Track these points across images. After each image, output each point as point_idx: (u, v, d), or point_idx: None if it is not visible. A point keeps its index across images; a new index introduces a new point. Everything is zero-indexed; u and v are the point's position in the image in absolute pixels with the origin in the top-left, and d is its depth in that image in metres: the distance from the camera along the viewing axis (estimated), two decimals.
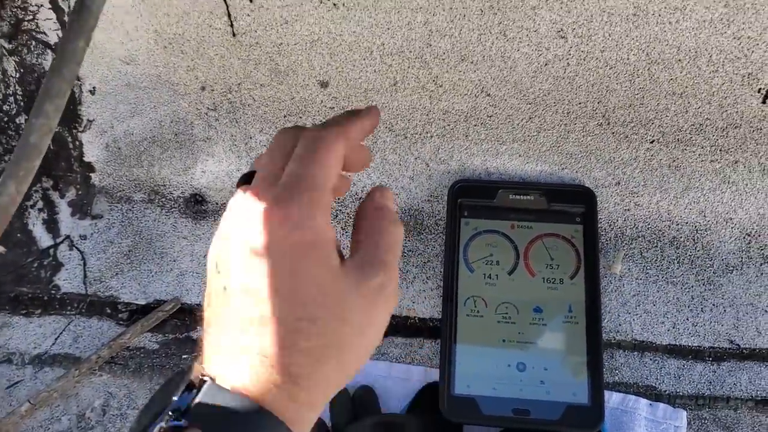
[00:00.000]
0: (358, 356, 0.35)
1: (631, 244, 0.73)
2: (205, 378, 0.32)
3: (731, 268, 0.72)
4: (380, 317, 0.35)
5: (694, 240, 0.73)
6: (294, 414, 0.32)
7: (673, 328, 0.69)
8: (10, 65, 0.75)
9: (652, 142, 0.72)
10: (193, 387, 0.32)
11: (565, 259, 0.70)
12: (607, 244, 0.73)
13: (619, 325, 0.70)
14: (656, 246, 0.73)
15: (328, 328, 0.32)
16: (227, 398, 0.31)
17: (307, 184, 0.33)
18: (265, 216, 0.32)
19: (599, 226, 0.72)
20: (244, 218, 0.33)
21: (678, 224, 0.73)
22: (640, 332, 0.69)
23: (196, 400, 0.31)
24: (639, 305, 0.71)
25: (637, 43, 0.64)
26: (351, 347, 0.34)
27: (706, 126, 0.70)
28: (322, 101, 0.74)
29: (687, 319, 0.70)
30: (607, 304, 0.71)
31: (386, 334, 0.71)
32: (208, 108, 0.75)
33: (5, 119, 0.78)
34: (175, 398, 0.31)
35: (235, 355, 0.32)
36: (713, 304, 0.70)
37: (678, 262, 0.72)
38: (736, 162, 0.71)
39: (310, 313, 0.32)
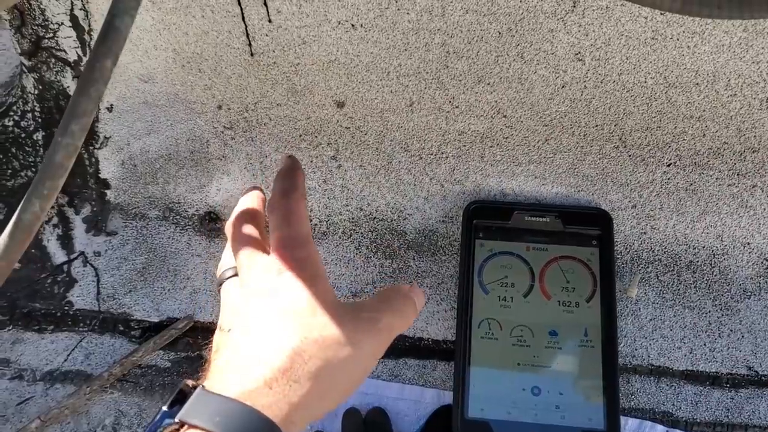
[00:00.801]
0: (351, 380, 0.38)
1: (648, 267, 0.72)
2: (197, 385, 0.36)
3: (749, 294, 0.71)
4: (369, 346, 0.38)
5: (711, 264, 0.72)
6: (287, 418, 0.35)
7: (690, 353, 0.69)
8: (29, 82, 0.76)
9: (669, 166, 0.71)
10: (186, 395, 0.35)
11: (581, 282, 0.70)
12: (623, 267, 0.73)
13: (636, 349, 0.69)
14: (673, 270, 0.72)
15: (320, 351, 0.36)
16: (217, 400, 0.35)
17: (300, 240, 0.39)
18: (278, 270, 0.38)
19: (615, 249, 0.72)
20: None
21: (695, 248, 0.72)
22: (656, 357, 0.69)
23: (186, 405, 0.34)
24: (655, 330, 0.70)
25: (655, 67, 0.64)
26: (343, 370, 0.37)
27: (724, 150, 0.70)
28: (338, 121, 0.74)
29: (704, 345, 0.69)
30: (623, 328, 0.70)
31: (399, 356, 0.70)
32: (225, 126, 0.76)
33: (23, 135, 0.78)
34: (164, 407, 0.35)
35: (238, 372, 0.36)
36: (731, 330, 0.69)
37: (695, 287, 0.71)
38: (753, 186, 0.71)
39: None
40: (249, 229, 0.43)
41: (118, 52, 0.31)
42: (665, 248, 0.73)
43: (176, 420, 0.35)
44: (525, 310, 0.69)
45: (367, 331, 0.38)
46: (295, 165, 0.44)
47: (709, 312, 0.70)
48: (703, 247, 0.72)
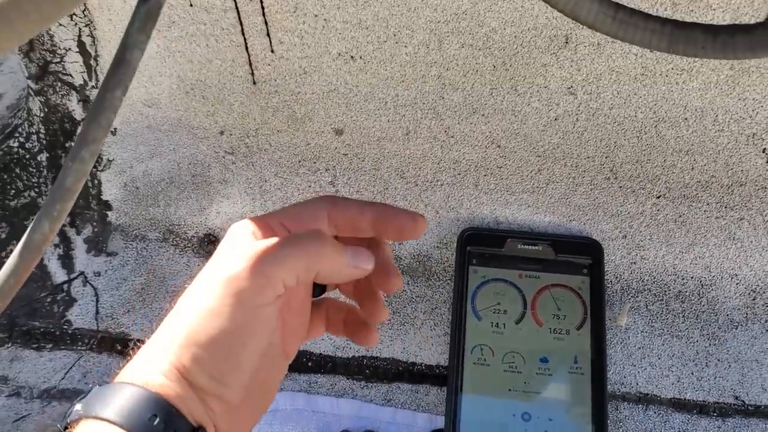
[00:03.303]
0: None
1: (637, 297, 0.74)
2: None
3: (736, 324, 0.72)
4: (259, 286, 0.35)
5: (699, 295, 0.73)
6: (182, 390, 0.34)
7: (678, 381, 0.70)
8: (35, 105, 0.78)
9: (658, 197, 0.73)
10: None
11: (572, 310, 0.71)
12: (613, 296, 0.74)
13: (624, 377, 0.70)
14: (662, 300, 0.74)
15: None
16: (110, 388, 0.34)
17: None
18: None
19: (606, 278, 0.73)
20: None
21: (684, 279, 0.74)
22: (644, 385, 0.70)
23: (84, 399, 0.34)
24: (644, 358, 0.71)
25: (645, 102, 0.66)
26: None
27: (712, 183, 0.71)
28: (336, 148, 0.76)
29: (692, 374, 0.70)
30: (612, 355, 0.71)
31: (392, 380, 0.71)
32: (226, 152, 0.77)
33: (27, 156, 0.80)
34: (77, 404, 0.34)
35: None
36: (718, 359, 0.71)
37: (683, 317, 0.73)
38: (741, 219, 0.72)
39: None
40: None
41: (127, 83, 0.33)
42: (654, 278, 0.74)
43: (76, 414, 0.34)
44: (517, 337, 0.70)
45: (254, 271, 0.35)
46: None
47: (697, 341, 0.72)
48: (692, 277, 0.74)
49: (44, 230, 0.32)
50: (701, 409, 0.69)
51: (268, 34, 0.67)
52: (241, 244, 0.38)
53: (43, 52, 0.73)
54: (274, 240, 0.37)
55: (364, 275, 0.40)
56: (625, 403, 0.70)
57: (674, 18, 0.53)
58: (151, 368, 0.34)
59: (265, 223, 0.39)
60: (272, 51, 0.68)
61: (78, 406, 0.35)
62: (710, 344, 0.71)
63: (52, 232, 0.32)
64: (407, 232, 0.40)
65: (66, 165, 0.32)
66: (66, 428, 0.34)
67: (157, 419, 0.33)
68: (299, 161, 0.77)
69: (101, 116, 0.32)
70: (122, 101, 0.33)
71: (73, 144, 0.77)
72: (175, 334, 0.35)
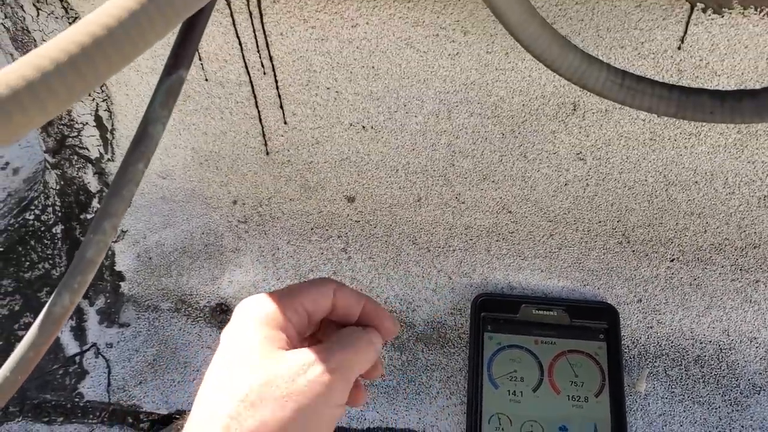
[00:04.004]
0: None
1: (655, 362, 0.73)
2: None
3: (758, 389, 0.71)
4: (309, 400, 0.37)
5: (718, 359, 0.72)
6: None
7: None
8: (51, 178, 0.79)
9: (672, 261, 0.73)
10: None
11: (590, 377, 0.70)
12: (630, 361, 0.73)
13: None
14: (680, 365, 0.72)
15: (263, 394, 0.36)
16: None
17: None
18: None
19: (622, 343, 0.72)
20: None
21: (702, 342, 0.73)
22: None
23: None
24: (666, 425, 0.69)
25: (654, 166, 0.67)
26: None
27: (726, 246, 0.71)
28: (348, 215, 0.76)
29: None
30: (632, 423, 0.69)
31: None
32: (239, 221, 0.78)
33: (42, 228, 0.81)
34: None
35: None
36: (742, 426, 0.69)
37: (703, 382, 0.71)
38: (757, 281, 0.72)
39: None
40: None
41: (149, 156, 0.33)
42: (672, 342, 0.73)
43: None
44: (535, 405, 0.69)
45: (318, 383, 0.37)
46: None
47: (719, 407, 0.70)
48: (710, 341, 0.73)
49: (65, 303, 0.32)
50: None
51: (281, 107, 0.68)
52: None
53: (61, 127, 0.75)
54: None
55: None
56: None
57: (680, 84, 0.54)
58: None
59: (288, 311, 0.41)
60: (285, 122, 0.70)
61: None
62: (733, 410, 0.70)
63: (72, 305, 0.32)
64: (386, 332, 0.45)
65: (87, 237, 0.33)
66: None
67: None
68: (312, 229, 0.77)
69: (123, 189, 0.33)
70: (143, 173, 0.34)
71: (88, 216, 0.78)
72: None
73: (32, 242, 0.80)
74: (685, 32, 0.57)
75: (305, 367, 0.37)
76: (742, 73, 0.59)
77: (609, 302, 0.74)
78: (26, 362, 0.32)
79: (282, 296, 0.41)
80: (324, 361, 0.38)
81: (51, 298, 0.32)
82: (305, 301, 0.42)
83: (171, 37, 0.35)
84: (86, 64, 0.25)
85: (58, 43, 0.25)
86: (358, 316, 0.44)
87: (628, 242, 0.73)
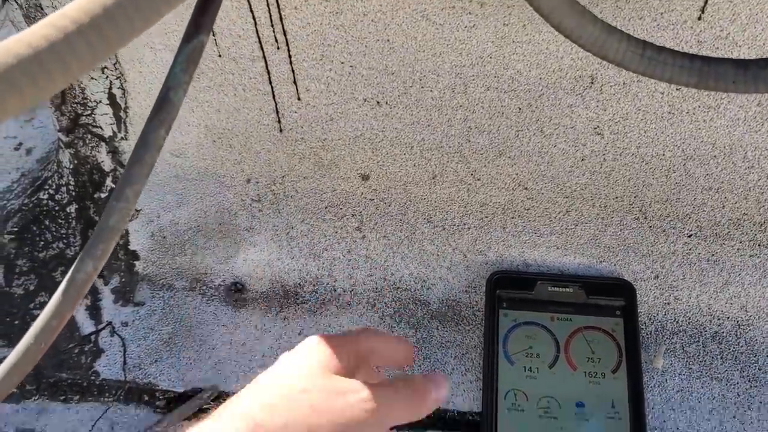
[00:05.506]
0: None
1: (672, 338, 0.72)
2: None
3: None
4: (348, 424, 0.38)
5: (736, 335, 0.72)
6: None
7: (720, 425, 0.68)
8: (65, 157, 0.79)
9: (690, 236, 0.72)
10: None
11: (607, 353, 0.70)
12: (647, 338, 0.73)
13: (664, 421, 0.68)
14: (698, 341, 0.72)
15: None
16: None
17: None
18: None
19: (639, 319, 0.72)
20: None
21: (719, 319, 0.72)
22: (685, 429, 0.68)
23: None
24: (683, 401, 0.69)
25: (673, 140, 0.66)
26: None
27: (744, 221, 0.71)
28: (362, 193, 0.76)
29: (734, 417, 0.68)
30: (650, 399, 0.69)
31: (425, 429, 0.70)
32: (253, 199, 0.78)
33: (56, 208, 0.81)
34: None
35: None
36: (760, 402, 0.69)
37: (721, 358, 0.71)
38: None
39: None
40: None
41: (170, 122, 0.33)
42: (689, 319, 0.73)
43: None
44: (551, 381, 0.69)
45: (361, 410, 0.39)
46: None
47: (737, 383, 0.70)
48: (728, 317, 0.72)
49: (87, 269, 0.32)
50: None
51: (294, 82, 0.68)
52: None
53: (74, 105, 0.75)
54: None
55: None
56: None
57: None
58: None
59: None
60: (299, 98, 0.69)
61: None
62: (751, 386, 0.69)
63: (95, 271, 0.32)
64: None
65: (110, 205, 0.32)
66: None
67: None
68: (326, 207, 0.77)
69: (145, 155, 0.32)
70: (165, 139, 0.33)
71: (101, 195, 0.78)
72: None
73: (46, 222, 0.80)
74: (706, 2, 0.56)
75: (349, 392, 0.39)
76: (764, 44, 0.58)
77: (626, 278, 0.73)
78: (50, 330, 0.32)
79: (345, 338, 0.43)
80: (371, 396, 0.39)
81: (74, 265, 0.32)
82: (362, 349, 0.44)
83: (187, 11, 0.34)
84: (109, 26, 0.25)
85: (81, 4, 0.25)
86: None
87: (645, 218, 0.72)
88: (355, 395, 0.39)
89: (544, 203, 0.73)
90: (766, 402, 0.68)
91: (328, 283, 0.79)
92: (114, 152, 0.78)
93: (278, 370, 0.40)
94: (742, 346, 0.71)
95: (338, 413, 0.38)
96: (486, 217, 0.75)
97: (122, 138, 0.77)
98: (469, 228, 0.75)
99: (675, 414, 0.69)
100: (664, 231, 0.72)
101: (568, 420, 0.67)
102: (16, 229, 0.80)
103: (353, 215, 0.77)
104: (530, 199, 0.73)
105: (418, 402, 0.42)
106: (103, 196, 0.80)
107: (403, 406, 0.42)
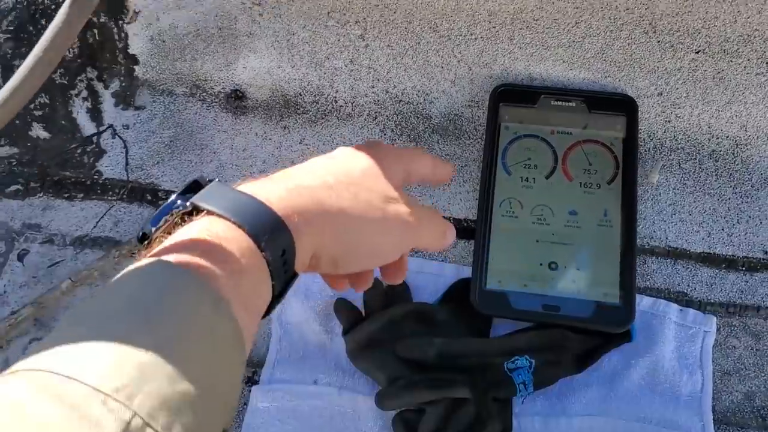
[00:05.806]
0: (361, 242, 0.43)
1: (670, 155, 0.73)
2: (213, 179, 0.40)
3: None
4: (393, 228, 0.44)
5: (733, 154, 0.72)
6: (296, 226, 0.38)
7: (708, 237, 0.70)
8: None
9: (697, 53, 0.71)
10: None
11: (604, 166, 0.70)
12: (645, 154, 0.73)
13: (654, 232, 0.70)
14: (695, 158, 0.73)
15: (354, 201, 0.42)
16: (232, 192, 0.38)
17: None
18: None
19: (639, 136, 0.72)
20: None
21: (718, 137, 0.73)
22: (674, 239, 0.70)
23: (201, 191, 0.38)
24: (675, 214, 0.71)
25: None
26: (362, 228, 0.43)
27: (755, 37, 0.69)
28: None
29: (722, 229, 0.70)
30: (642, 211, 0.71)
31: None
32: (253, 2, 0.76)
33: (53, 6, 0.78)
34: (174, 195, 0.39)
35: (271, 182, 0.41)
36: (749, 216, 0.70)
37: (716, 175, 0.72)
38: None
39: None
40: None
41: None
42: (689, 136, 0.73)
43: (188, 204, 0.37)
44: (546, 191, 0.70)
45: (405, 220, 0.44)
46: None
47: (729, 199, 0.71)
48: (727, 136, 0.73)
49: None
50: (729, 263, 0.69)
51: None
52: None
53: None
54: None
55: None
56: (654, 257, 0.70)
57: None
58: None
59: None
60: None
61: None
62: (742, 202, 0.71)
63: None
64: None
65: None
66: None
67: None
68: (328, 13, 0.75)
69: None
70: None
71: None
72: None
73: (43, 21, 0.78)
74: None
75: (401, 202, 0.45)
76: None
77: (629, 94, 0.73)
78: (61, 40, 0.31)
79: (401, 154, 0.50)
80: (415, 212, 0.45)
81: None
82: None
83: None
84: None
85: None
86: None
87: (654, 32, 0.70)
88: (404, 206, 0.44)
89: (553, 13, 0.71)
90: (755, 216, 0.70)
91: (329, 94, 0.78)
92: None
93: (343, 163, 0.45)
94: (738, 165, 0.72)
95: (392, 216, 0.43)
96: (494, 27, 0.73)
97: None
98: (475, 38, 0.74)
99: (665, 225, 0.70)
100: (672, 46, 0.71)
101: (560, 226, 0.68)
102: (11, 29, 0.79)
103: (357, 22, 0.75)
104: (539, 9, 0.71)
105: (441, 233, 0.49)
106: None
107: (432, 232, 0.48)
